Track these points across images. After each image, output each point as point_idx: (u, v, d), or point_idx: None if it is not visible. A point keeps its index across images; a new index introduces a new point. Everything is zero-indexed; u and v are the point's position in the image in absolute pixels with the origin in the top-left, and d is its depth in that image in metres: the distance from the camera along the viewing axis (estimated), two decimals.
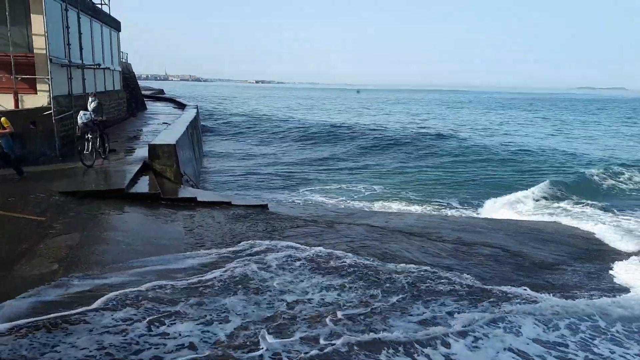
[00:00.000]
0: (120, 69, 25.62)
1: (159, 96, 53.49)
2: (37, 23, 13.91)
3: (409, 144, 30.39)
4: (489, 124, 49.22)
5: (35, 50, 14.07)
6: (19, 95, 13.37)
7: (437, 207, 16.24)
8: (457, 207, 16.32)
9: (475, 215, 15.31)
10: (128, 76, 29.61)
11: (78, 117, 12.57)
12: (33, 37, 13.99)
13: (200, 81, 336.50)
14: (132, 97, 28.81)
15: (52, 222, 8.48)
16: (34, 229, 8.02)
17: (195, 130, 23.68)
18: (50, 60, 14.20)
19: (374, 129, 37.37)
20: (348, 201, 16.46)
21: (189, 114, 25.55)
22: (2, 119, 10.81)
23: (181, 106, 38.08)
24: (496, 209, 15.81)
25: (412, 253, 8.79)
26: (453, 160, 25.62)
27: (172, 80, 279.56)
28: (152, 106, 37.14)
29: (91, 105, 13.49)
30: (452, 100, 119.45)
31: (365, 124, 41.95)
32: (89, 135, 12.50)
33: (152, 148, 13.58)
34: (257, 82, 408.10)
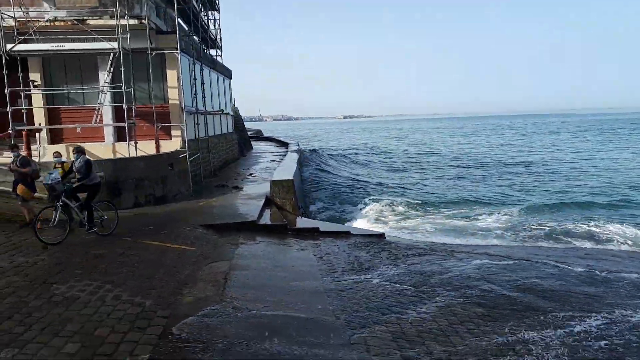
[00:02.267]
0: (232, 113, 27.83)
1: (259, 136, 56.64)
2: (172, 78, 15.79)
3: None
4: None
5: (170, 101, 15.92)
6: (159, 141, 15.09)
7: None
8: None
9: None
10: (237, 119, 31.95)
11: (44, 177, 9.78)
12: (168, 89, 15.86)
13: (292, 120, 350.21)
14: (241, 138, 31.00)
15: (202, 252, 9.48)
16: (188, 257, 9.03)
17: (300, 166, 24.90)
18: (182, 109, 15.98)
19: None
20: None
21: (295, 152, 26.94)
22: (65, 163, 10.48)
23: (282, 144, 40.12)
24: None
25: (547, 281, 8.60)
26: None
27: (266, 120, 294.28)
28: (256, 145, 39.45)
29: (76, 163, 10.13)
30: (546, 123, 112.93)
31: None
32: (59, 202, 9.55)
33: (273, 184, 14.59)
34: (345, 117, 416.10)
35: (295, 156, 23.60)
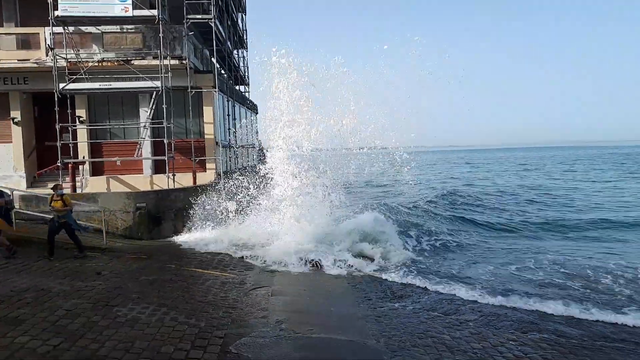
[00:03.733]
0: (258, 146, 28.83)
1: None
2: (208, 114, 16.75)
3: None
4: None
5: (205, 136, 16.84)
6: (196, 173, 15.94)
7: None
8: None
9: None
10: (260, 152, 32.94)
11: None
12: (204, 125, 16.81)
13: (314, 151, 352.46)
14: None
15: (242, 278, 10.09)
16: (232, 283, 9.63)
17: None
18: (217, 143, 16.87)
19: None
20: None
21: None
22: (65, 196, 10.99)
23: None
24: None
25: None
26: None
27: None
28: None
29: None
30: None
31: None
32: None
33: None
34: (360, 149, 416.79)
35: None
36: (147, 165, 16.73)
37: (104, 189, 16.15)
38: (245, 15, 26.77)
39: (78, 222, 11.34)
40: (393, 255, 12.49)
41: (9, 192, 11.65)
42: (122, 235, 13.14)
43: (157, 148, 16.51)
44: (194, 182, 15.75)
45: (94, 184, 16.40)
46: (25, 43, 15.69)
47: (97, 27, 15.70)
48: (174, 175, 15.63)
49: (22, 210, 12.70)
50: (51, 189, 11.22)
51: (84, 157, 16.34)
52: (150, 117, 15.88)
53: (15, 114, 16.63)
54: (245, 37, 25.74)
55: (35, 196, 13.55)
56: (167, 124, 15.37)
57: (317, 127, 14.34)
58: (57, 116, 14.97)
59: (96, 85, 14.93)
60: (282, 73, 13.72)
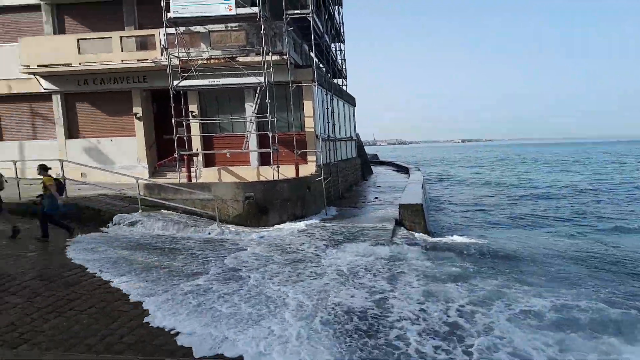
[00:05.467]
0: (355, 139, 28.98)
1: (376, 160, 57.44)
2: (308, 107, 17.13)
3: None
4: None
5: (306, 129, 17.24)
6: (298, 165, 16.42)
7: None
8: None
9: None
10: (359, 144, 33.04)
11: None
12: (305, 118, 17.21)
13: (406, 144, 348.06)
14: (363, 163, 31.97)
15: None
16: None
17: (424, 190, 24.98)
18: (317, 136, 17.20)
19: None
20: None
21: (417, 176, 27.15)
22: (45, 178, 10.73)
23: (401, 169, 40.35)
24: None
25: None
26: None
27: (380, 144, 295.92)
28: (375, 170, 40.15)
29: None
30: None
31: None
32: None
33: (402, 207, 15.00)
34: (463, 141, 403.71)
35: (419, 180, 23.82)
36: (254, 158, 17.53)
37: (215, 179, 17.21)
38: (342, 8, 26.92)
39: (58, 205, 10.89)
40: None
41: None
42: (232, 222, 13.91)
43: (262, 141, 17.23)
44: (297, 173, 16.21)
45: (206, 175, 17.54)
46: (143, 44, 17.12)
47: (205, 26, 16.69)
48: (278, 167, 16.21)
49: (145, 197, 13.92)
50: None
51: (197, 150, 17.51)
52: (255, 112, 16.59)
53: (137, 110, 18.28)
54: (342, 30, 25.90)
55: (157, 185, 14.78)
56: (271, 118, 15.94)
57: None
58: (172, 111, 16.19)
59: (205, 81, 15.89)
60: None
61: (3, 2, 18.83)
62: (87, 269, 8.84)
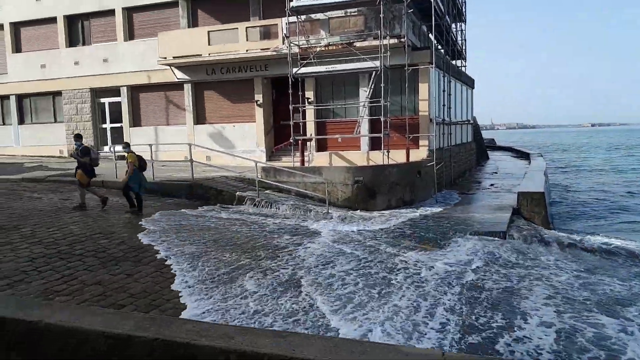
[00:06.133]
0: (472, 122, 27.85)
1: (493, 145, 54.56)
2: (423, 91, 16.83)
3: None
4: None
5: (420, 113, 16.99)
6: (409, 150, 16.31)
7: None
8: None
9: None
10: (475, 128, 31.69)
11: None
12: (419, 102, 16.96)
13: (527, 128, 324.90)
14: (479, 148, 30.66)
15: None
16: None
17: (546, 177, 23.34)
18: (431, 120, 16.87)
19: None
20: None
21: (540, 163, 25.42)
22: (128, 155, 11.45)
23: (521, 154, 37.99)
24: None
25: None
26: None
27: (498, 129, 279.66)
28: (492, 155, 38.24)
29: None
30: None
31: None
32: None
33: (522, 195, 14.22)
34: (592, 125, 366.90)
35: (542, 167, 22.30)
36: (364, 142, 17.74)
37: (326, 163, 17.74)
38: None
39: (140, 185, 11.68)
40: None
41: (96, 150, 12.58)
42: (341, 206, 14.31)
43: (373, 126, 17.33)
44: (407, 158, 16.11)
45: (318, 159, 18.15)
46: (267, 34, 18.05)
47: (325, 13, 17.07)
48: (388, 151, 16.23)
49: (262, 180, 14.84)
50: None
51: (311, 135, 18.16)
52: (369, 96, 16.72)
53: (258, 97, 19.39)
54: (464, 10, 24.83)
55: (273, 168, 15.66)
56: (384, 102, 15.96)
57: None
58: (290, 98, 16.94)
59: (323, 68, 16.34)
60: None
61: (145, 1, 21.01)
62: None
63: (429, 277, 8.27)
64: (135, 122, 22.09)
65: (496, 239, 11.37)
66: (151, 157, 14.73)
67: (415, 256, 9.48)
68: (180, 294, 6.91)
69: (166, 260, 8.31)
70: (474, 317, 6.69)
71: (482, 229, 12.06)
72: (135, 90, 21.96)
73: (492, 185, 19.93)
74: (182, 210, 12.55)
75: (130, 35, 21.89)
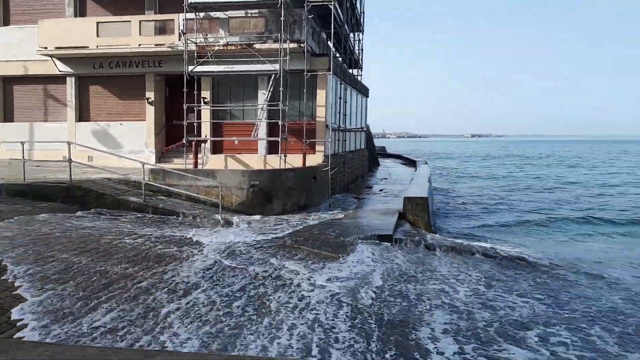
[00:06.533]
0: (365, 130, 28.96)
1: (384, 153, 57.35)
2: (321, 97, 17.15)
3: None
4: None
5: (317, 118, 17.28)
6: (306, 155, 16.50)
7: None
8: None
9: None
10: (368, 136, 33.01)
11: None
12: (317, 108, 17.25)
13: (415, 137, 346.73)
14: (371, 155, 31.98)
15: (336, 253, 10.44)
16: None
17: (430, 184, 24.98)
18: (327, 126, 17.24)
19: None
20: None
21: (425, 170, 27.13)
22: None
23: (409, 162, 40.36)
24: None
25: None
26: None
27: (389, 137, 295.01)
28: (382, 162, 40.16)
29: None
30: None
31: None
32: None
33: (407, 200, 15.03)
34: (472, 135, 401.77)
35: (426, 174, 23.82)
36: (262, 146, 17.62)
37: (222, 167, 17.33)
38: None
39: None
40: None
41: None
42: (236, 210, 14.04)
43: (271, 129, 17.30)
44: (304, 163, 16.29)
45: (213, 162, 17.66)
46: (162, 29, 17.24)
47: (225, 12, 16.70)
48: (285, 156, 16.28)
49: (150, 182, 14.05)
50: None
51: (206, 136, 17.63)
52: (267, 100, 16.65)
53: (150, 94, 18.42)
54: (362, 20, 25.76)
55: (163, 170, 14.92)
56: (283, 107, 15.99)
57: None
58: (184, 97, 16.29)
59: (220, 68, 15.97)
60: None
61: None
62: None
63: (314, 297, 7.59)
64: (7, 117, 19.85)
65: (386, 243, 11.90)
66: (23, 156, 13.31)
67: (303, 271, 9.01)
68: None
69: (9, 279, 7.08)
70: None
71: (370, 233, 12.51)
72: (8, 82, 19.75)
73: (381, 190, 20.87)
74: (45, 215, 11.29)
75: (5, 20, 19.65)
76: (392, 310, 7.40)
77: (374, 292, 8.19)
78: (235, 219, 12.97)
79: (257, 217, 13.65)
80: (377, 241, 12.03)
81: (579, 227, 18.67)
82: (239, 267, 8.96)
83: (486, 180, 39.85)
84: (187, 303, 6.95)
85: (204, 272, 8.43)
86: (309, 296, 7.68)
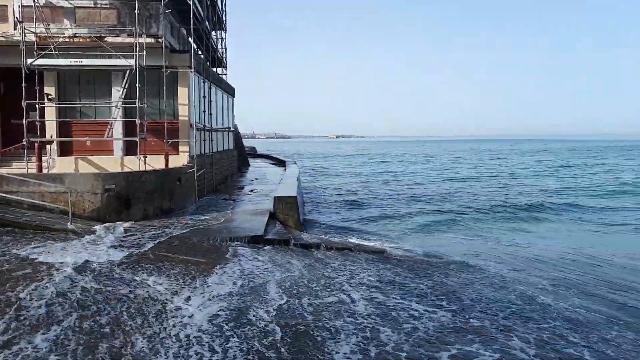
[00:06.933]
0: (233, 130, 28.45)
1: (254, 153, 57.14)
2: (183, 95, 16.37)
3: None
4: None
5: (180, 118, 16.47)
6: (168, 156, 15.60)
7: None
8: None
9: None
10: (237, 136, 32.52)
11: None
12: (179, 106, 16.43)
13: (285, 138, 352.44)
14: (240, 155, 31.56)
15: (210, 261, 10.00)
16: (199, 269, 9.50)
17: (299, 183, 25.42)
18: (191, 125, 16.53)
19: None
20: None
21: (293, 170, 27.52)
22: None
23: (278, 162, 40.68)
24: None
25: None
26: None
27: (259, 137, 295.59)
28: (253, 162, 39.92)
29: None
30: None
31: None
32: None
33: (277, 200, 15.07)
34: (337, 136, 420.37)
35: (295, 174, 24.16)
36: (117, 147, 16.28)
37: (72, 170, 15.65)
38: None
39: None
40: None
41: None
42: (89, 218, 12.77)
43: (128, 129, 16.06)
44: (166, 164, 15.41)
45: (62, 165, 15.87)
46: None
47: (69, 1, 15.10)
48: (145, 157, 15.24)
49: None
50: None
51: (51, 136, 15.78)
52: (123, 97, 15.42)
53: None
54: (224, 18, 25.19)
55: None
56: (140, 104, 14.94)
57: None
58: (23, 93, 14.37)
59: (67, 61, 14.40)
60: None
61: None
62: None
63: (188, 330, 6.59)
64: None
65: (261, 245, 11.79)
66: None
67: (173, 288, 8.17)
68: None
69: None
70: None
71: (243, 234, 12.29)
72: None
73: (252, 191, 20.65)
74: None
75: None
76: (289, 342, 6.45)
77: (262, 313, 7.34)
78: (90, 228, 11.78)
79: (115, 224, 12.53)
80: (249, 243, 11.86)
81: (435, 218, 20.38)
82: (95, 291, 7.75)
83: (351, 178, 41.85)
84: None
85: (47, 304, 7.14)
86: (181, 327, 6.66)
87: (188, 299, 7.81)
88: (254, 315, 7.26)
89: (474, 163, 64.81)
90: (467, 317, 7.68)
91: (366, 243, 14.33)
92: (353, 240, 14.76)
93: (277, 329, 6.82)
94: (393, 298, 8.44)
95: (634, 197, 28.85)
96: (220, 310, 7.39)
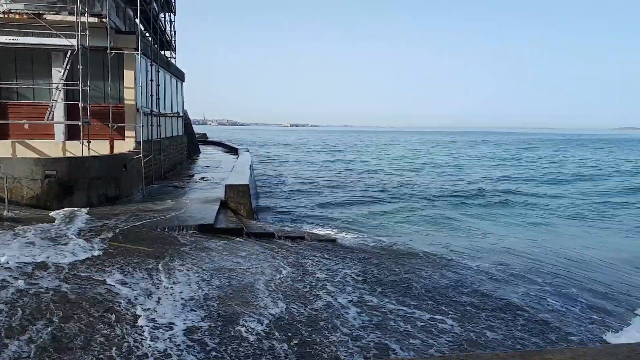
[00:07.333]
0: (183, 116, 27.68)
1: (206, 140, 55.99)
2: (129, 78, 15.73)
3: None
4: None
5: (125, 101, 15.83)
6: (114, 141, 14.98)
7: None
8: None
9: None
10: (186, 122, 31.71)
11: None
12: (125, 90, 15.77)
13: (237, 125, 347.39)
14: (190, 142, 30.80)
15: (161, 252, 9.70)
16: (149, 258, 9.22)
17: (252, 171, 25.15)
18: (137, 109, 15.93)
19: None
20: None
21: (246, 158, 27.18)
22: None
23: (231, 149, 40.05)
24: None
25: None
26: None
27: (210, 124, 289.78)
28: (204, 149, 39.15)
29: None
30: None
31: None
32: None
33: (229, 188, 14.83)
34: (291, 125, 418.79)
35: (248, 161, 23.86)
36: (59, 130, 15.49)
37: (8, 154, 14.77)
38: None
39: None
40: None
41: None
42: (28, 205, 12.10)
43: (71, 112, 15.30)
44: (111, 150, 14.81)
45: None
46: None
47: None
48: (89, 142, 14.59)
49: None
50: None
51: None
52: (64, 78, 14.64)
53: None
54: (173, 1, 24.37)
55: None
56: (83, 87, 14.24)
57: None
58: None
59: (1, 39, 13.47)
60: None
61: None
62: None
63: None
64: None
65: (211, 234, 11.54)
66: None
67: (125, 290, 7.49)
68: None
69: None
70: None
71: (192, 223, 12.00)
72: None
73: (202, 178, 20.23)
74: None
75: None
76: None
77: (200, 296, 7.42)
78: (23, 219, 11.13)
79: (54, 212, 11.91)
80: (198, 232, 11.61)
81: (389, 205, 20.77)
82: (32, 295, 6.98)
83: (305, 165, 41.82)
84: None
85: None
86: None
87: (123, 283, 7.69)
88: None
89: (423, 153, 66.40)
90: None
91: (318, 231, 14.38)
92: (305, 228, 14.79)
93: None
94: (389, 301, 7.95)
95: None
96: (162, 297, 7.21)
